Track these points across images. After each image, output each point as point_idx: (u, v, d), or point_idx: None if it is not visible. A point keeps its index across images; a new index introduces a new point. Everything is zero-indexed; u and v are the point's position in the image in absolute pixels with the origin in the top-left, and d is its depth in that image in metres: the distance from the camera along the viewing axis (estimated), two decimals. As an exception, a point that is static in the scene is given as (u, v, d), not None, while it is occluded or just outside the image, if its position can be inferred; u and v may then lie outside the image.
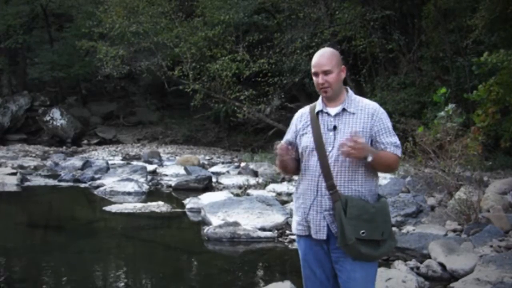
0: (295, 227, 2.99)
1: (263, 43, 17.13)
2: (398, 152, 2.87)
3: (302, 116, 2.99)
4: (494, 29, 11.56)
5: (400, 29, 15.04)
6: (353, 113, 2.85)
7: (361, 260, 2.77)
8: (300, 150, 2.95)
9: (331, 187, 2.79)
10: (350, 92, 2.93)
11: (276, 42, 16.71)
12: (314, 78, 2.90)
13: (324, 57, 2.87)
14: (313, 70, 2.89)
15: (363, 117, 2.84)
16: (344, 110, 2.86)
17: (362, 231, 2.69)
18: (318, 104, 2.94)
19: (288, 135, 3.05)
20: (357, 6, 14.90)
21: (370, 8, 14.74)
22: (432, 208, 7.52)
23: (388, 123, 2.88)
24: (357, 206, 2.72)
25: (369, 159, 2.73)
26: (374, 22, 14.59)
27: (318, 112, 2.91)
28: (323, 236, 2.83)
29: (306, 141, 2.90)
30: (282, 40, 16.50)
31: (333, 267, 2.88)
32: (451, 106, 8.30)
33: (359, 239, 2.69)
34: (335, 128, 2.84)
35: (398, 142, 2.88)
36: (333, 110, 2.88)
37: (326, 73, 2.84)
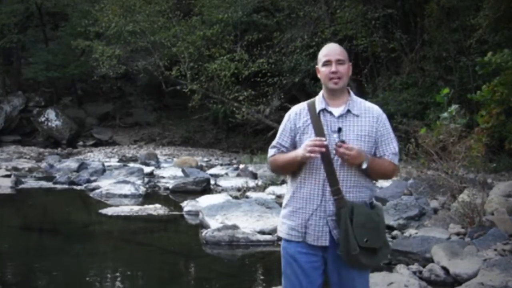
0: (285, 232, 2.82)
1: (262, 43, 17.09)
2: (396, 160, 2.81)
3: (300, 113, 2.81)
4: (498, 28, 11.50)
5: (402, 28, 14.97)
6: (357, 116, 2.75)
7: (359, 269, 2.73)
8: None
9: (336, 192, 2.68)
10: (352, 93, 2.84)
11: (275, 41, 16.65)
12: (324, 68, 2.78)
13: (337, 48, 2.83)
14: (324, 59, 2.77)
15: (368, 120, 2.75)
16: (348, 111, 2.75)
17: (366, 239, 2.64)
18: (319, 102, 2.78)
19: (284, 137, 2.85)
20: (358, 4, 14.83)
21: (372, 7, 14.67)
22: (435, 211, 7.49)
23: (389, 128, 2.83)
24: (363, 214, 2.66)
25: (364, 166, 2.67)
26: (376, 21, 14.52)
27: (319, 111, 2.76)
28: (325, 242, 2.72)
29: None
30: (282, 39, 16.44)
31: (321, 276, 2.78)
32: (454, 106, 8.19)
33: (361, 247, 2.63)
34: (339, 130, 2.71)
35: (397, 149, 2.82)
36: (336, 110, 2.75)
37: (339, 62, 2.75)
